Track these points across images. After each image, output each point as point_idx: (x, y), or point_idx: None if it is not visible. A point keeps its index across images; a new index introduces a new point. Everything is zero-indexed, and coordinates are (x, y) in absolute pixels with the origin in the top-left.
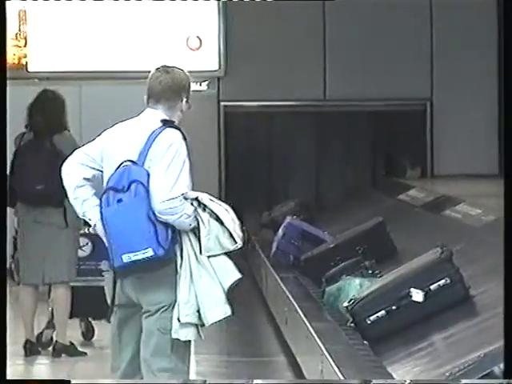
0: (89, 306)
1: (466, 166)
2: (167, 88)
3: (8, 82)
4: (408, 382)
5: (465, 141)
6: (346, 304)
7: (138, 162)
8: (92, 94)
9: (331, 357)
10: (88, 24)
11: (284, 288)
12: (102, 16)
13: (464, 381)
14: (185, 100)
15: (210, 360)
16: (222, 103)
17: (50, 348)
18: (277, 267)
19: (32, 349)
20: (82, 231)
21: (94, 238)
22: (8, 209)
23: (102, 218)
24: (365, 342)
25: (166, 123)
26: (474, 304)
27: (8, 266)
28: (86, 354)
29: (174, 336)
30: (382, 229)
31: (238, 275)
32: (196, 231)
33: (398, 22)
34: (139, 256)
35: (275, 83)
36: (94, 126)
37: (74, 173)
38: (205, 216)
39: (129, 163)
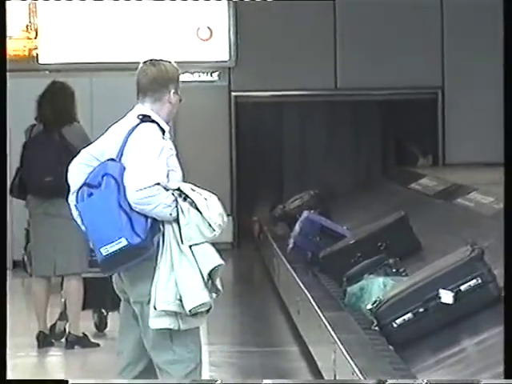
0: (101, 297)
1: (477, 154)
2: (152, 80)
3: (19, 73)
4: (425, 381)
5: (476, 129)
6: (370, 306)
7: (116, 159)
8: (103, 85)
9: (344, 346)
10: (98, 15)
11: (296, 278)
12: (113, 7)
13: (484, 380)
14: (173, 92)
15: (222, 351)
16: (233, 93)
17: (63, 339)
18: (294, 264)
19: (45, 340)
20: None
21: None
22: (19, 201)
23: (78, 214)
24: (390, 347)
25: (143, 118)
26: None
27: (21, 257)
28: (98, 345)
29: (151, 325)
30: (405, 223)
31: (219, 261)
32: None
33: (408, 11)
34: (114, 247)
35: (286, 73)
36: (105, 117)
37: (77, 173)
38: (185, 205)
39: (108, 160)
